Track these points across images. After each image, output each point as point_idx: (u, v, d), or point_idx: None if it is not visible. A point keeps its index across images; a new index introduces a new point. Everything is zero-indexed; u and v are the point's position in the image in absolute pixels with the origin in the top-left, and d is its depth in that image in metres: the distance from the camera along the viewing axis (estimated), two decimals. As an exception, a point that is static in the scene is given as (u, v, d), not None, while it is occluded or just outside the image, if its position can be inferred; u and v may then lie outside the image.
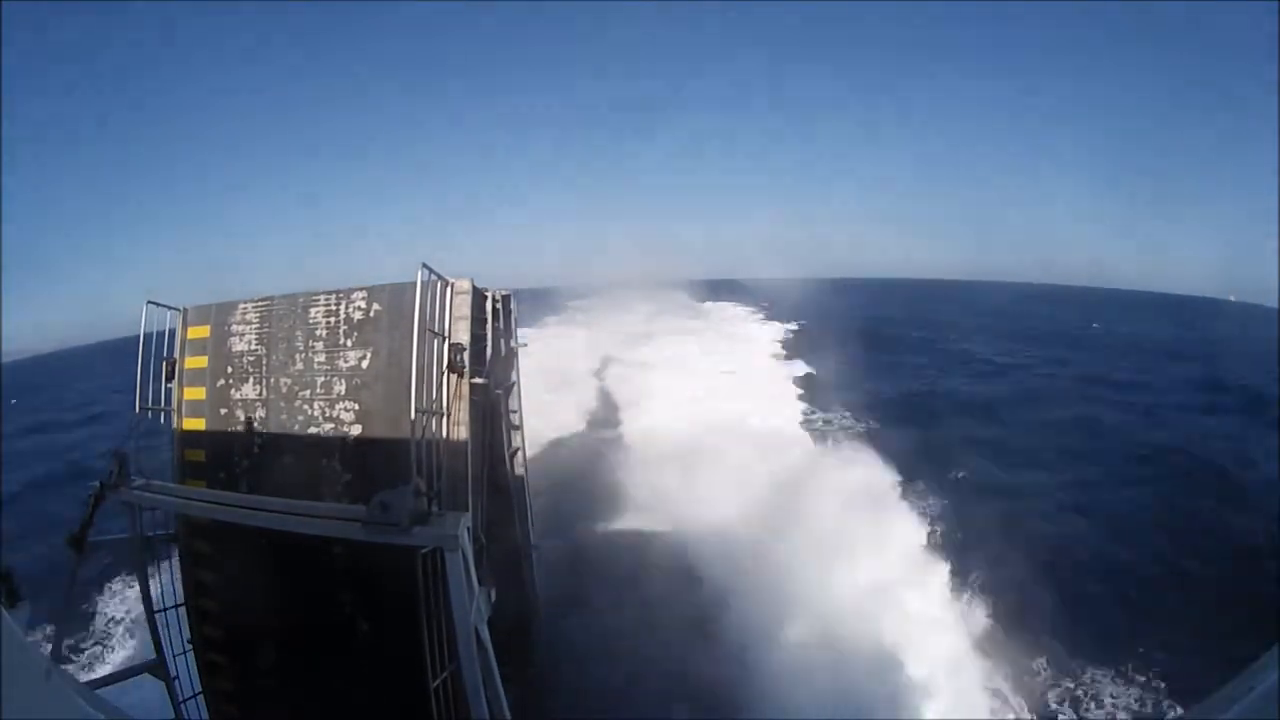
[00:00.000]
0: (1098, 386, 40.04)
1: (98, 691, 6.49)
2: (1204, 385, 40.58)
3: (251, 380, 8.94)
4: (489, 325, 9.59)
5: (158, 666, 9.04)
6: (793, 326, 52.71)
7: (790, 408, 30.51)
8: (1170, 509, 21.32)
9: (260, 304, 9.10)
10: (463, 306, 8.32)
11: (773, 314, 59.12)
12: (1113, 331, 73.94)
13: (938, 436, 28.14)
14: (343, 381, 8.50)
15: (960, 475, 23.48)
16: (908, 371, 45.07)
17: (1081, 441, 28.28)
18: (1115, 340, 64.97)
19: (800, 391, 33.17)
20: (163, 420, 9.26)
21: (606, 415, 31.00)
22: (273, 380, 8.84)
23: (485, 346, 9.44)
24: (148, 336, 8.82)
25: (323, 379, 8.60)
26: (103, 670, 13.82)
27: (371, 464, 8.22)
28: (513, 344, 11.43)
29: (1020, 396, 37.56)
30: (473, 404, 8.45)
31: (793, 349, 43.51)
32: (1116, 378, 43.13)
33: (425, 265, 7.46)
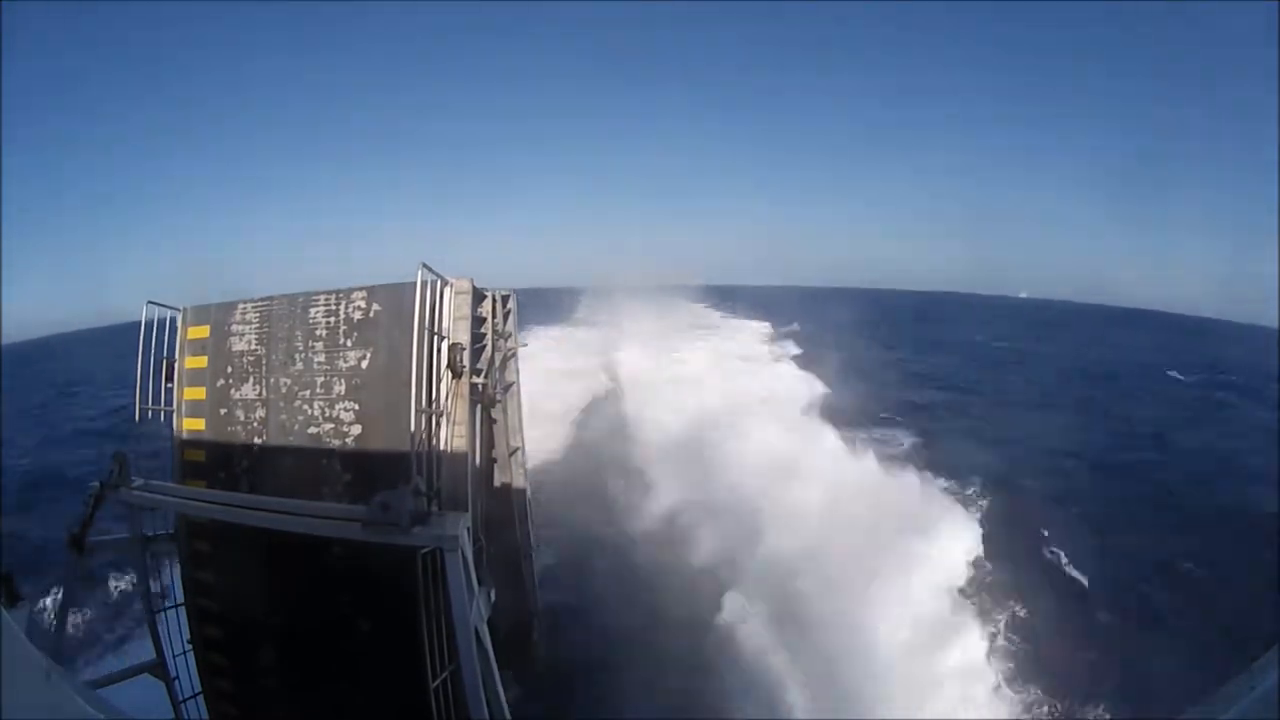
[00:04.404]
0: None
1: (98, 691, 6.49)
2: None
3: (251, 380, 8.93)
4: (489, 325, 9.58)
5: (158, 666, 9.04)
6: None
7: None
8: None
9: (260, 304, 9.08)
10: (462, 306, 8.31)
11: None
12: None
13: None
14: (342, 381, 8.49)
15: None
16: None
17: None
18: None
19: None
20: (163, 420, 9.25)
21: (610, 415, 31.02)
22: (273, 380, 8.82)
23: (485, 346, 9.44)
24: (147, 336, 8.82)
25: (322, 379, 8.58)
26: (103, 670, 13.82)
27: (371, 464, 8.21)
28: (512, 344, 11.42)
29: None
30: (472, 404, 8.45)
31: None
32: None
33: (425, 265, 7.45)
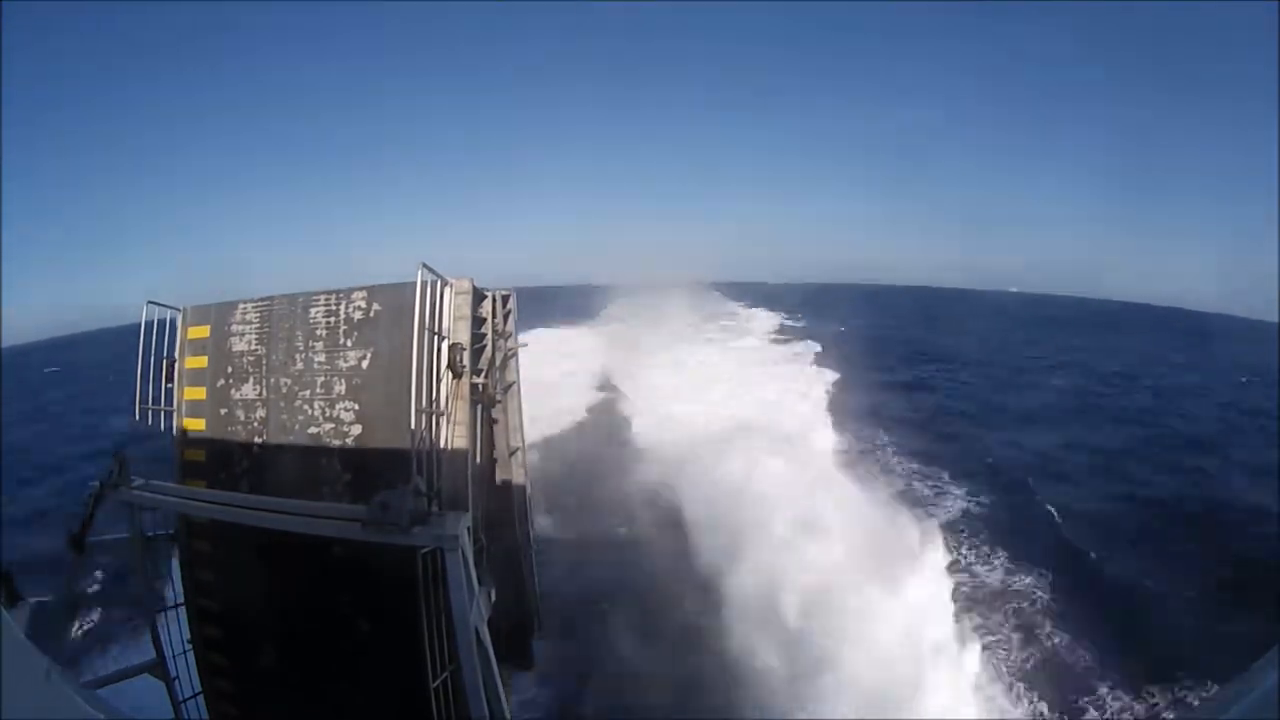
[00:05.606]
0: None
1: (98, 691, 6.49)
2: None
3: (251, 380, 8.93)
4: (489, 325, 9.58)
5: (158, 666, 9.03)
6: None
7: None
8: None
9: (260, 304, 9.08)
10: (462, 306, 8.31)
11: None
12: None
13: None
14: (343, 381, 8.48)
15: None
16: None
17: None
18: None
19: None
20: (163, 420, 9.25)
21: (610, 417, 31.02)
22: (273, 380, 8.82)
23: (485, 346, 9.44)
24: (147, 336, 8.82)
25: (323, 379, 8.58)
26: (103, 670, 13.80)
27: (371, 464, 8.20)
28: (512, 344, 11.42)
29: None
30: (473, 404, 8.44)
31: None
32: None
33: (425, 265, 7.44)
